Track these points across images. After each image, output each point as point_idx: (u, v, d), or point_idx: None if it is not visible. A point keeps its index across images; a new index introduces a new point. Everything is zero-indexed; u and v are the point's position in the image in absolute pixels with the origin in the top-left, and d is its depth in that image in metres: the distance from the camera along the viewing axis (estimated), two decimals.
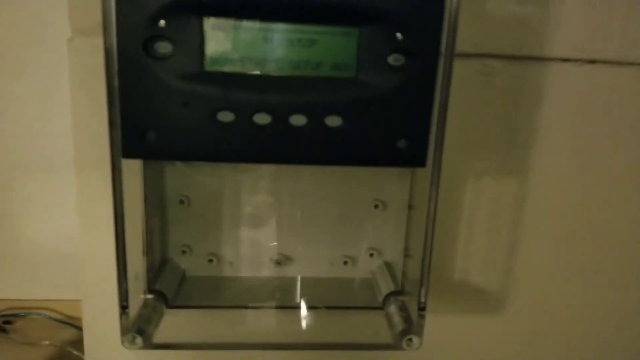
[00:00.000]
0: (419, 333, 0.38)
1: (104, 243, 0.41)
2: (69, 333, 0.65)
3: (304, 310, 0.43)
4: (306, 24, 0.31)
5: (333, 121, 0.32)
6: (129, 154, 0.32)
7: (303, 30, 0.32)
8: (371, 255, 0.45)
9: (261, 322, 0.43)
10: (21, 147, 0.63)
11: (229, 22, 0.31)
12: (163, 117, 0.31)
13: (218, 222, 0.43)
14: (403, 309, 0.40)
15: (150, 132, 0.31)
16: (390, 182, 0.43)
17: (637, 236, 0.47)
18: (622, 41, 0.41)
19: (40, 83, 0.61)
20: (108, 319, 0.40)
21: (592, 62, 0.41)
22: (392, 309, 0.41)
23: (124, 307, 0.35)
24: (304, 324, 0.43)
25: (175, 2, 0.30)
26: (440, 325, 0.47)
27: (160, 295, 0.40)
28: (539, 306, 0.48)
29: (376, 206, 0.44)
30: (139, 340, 0.35)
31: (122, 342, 0.35)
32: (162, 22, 0.30)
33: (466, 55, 0.40)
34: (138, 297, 0.39)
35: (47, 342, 0.64)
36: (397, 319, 0.39)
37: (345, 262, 0.45)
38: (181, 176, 0.42)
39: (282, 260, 0.45)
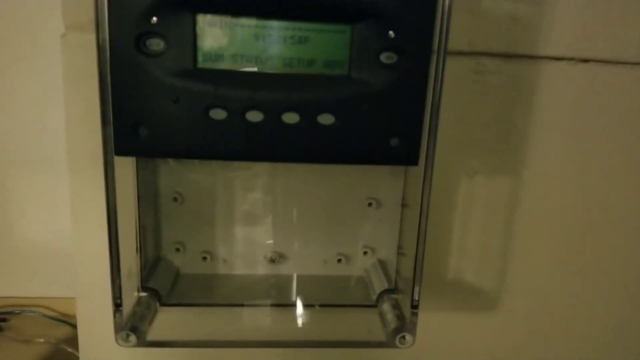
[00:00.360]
0: (412, 331, 0.38)
1: (97, 241, 0.41)
2: (63, 330, 0.65)
3: (298, 308, 0.43)
4: (299, 21, 0.31)
5: (325, 119, 0.32)
6: (121, 151, 0.32)
7: (296, 28, 0.32)
8: (365, 253, 0.45)
9: (255, 319, 0.43)
10: (16, 144, 0.63)
11: (221, 19, 0.31)
12: (155, 114, 0.31)
13: (212, 219, 0.43)
14: (396, 306, 0.40)
15: (143, 129, 0.31)
16: (384, 180, 0.43)
17: (631, 234, 0.47)
18: (615, 40, 0.41)
19: (35, 80, 0.61)
20: (103, 317, 0.40)
21: (585, 61, 0.42)
22: (386, 306, 0.41)
23: (117, 305, 0.35)
24: (298, 321, 0.43)
25: None
26: (433, 323, 0.47)
27: (154, 293, 0.40)
28: (533, 305, 0.48)
29: (370, 204, 0.44)
30: (132, 338, 0.36)
31: (116, 339, 0.35)
32: (154, 19, 0.30)
33: (460, 54, 0.40)
34: (132, 294, 0.39)
35: (41, 340, 0.64)
36: (390, 316, 0.39)
37: (339, 260, 0.45)
38: (174, 173, 0.42)
39: (276, 258, 0.45)
